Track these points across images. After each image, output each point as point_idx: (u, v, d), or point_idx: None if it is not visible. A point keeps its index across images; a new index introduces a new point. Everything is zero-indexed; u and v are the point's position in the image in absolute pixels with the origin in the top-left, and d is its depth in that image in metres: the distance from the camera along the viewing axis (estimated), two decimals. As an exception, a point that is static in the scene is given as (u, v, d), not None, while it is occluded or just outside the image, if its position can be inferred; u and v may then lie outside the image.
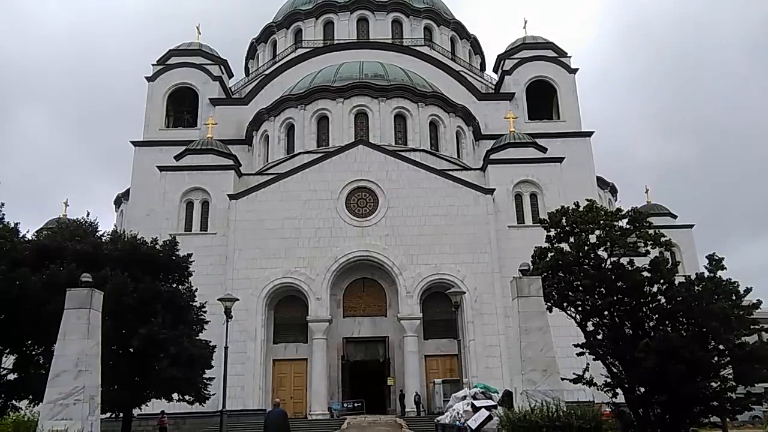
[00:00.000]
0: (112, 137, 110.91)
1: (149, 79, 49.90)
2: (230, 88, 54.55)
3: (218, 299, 25.03)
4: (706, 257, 21.14)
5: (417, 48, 52.50)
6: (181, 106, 51.06)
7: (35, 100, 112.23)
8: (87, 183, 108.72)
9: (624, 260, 21.66)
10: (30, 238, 23.65)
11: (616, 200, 53.88)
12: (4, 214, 21.99)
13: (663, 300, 20.18)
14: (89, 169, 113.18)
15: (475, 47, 60.75)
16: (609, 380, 20.39)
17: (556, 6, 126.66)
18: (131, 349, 21.12)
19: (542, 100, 50.63)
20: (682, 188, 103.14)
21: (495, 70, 55.59)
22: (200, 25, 54.60)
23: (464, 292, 30.14)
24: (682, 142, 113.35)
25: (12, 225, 22.08)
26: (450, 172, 40.08)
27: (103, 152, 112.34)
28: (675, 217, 50.46)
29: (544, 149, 42.22)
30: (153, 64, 51.12)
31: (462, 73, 52.62)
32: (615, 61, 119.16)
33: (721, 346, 18.97)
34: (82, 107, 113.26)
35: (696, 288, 20.06)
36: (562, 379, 15.03)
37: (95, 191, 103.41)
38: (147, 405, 23.68)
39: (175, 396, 23.23)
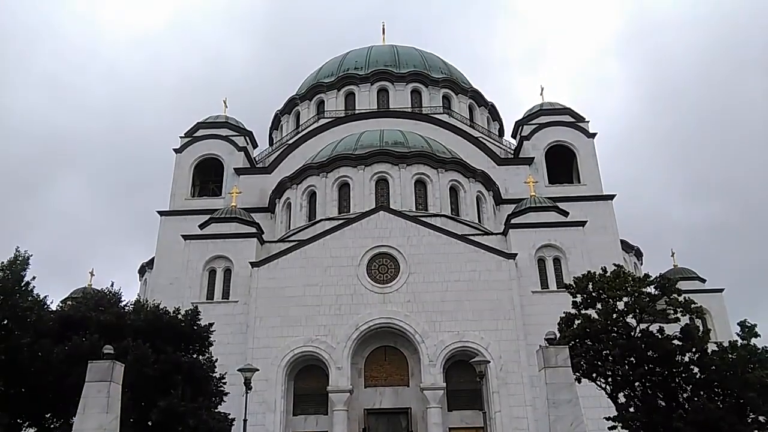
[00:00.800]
0: (140, 207, 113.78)
1: (177, 150, 51.60)
2: (254, 157, 56.00)
3: (238, 369, 24.74)
4: (738, 324, 20.54)
5: (436, 116, 53.62)
6: (207, 176, 52.45)
7: (68, 170, 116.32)
8: (114, 252, 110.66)
9: (653, 327, 21.10)
10: (55, 309, 24.02)
11: (641, 264, 52.96)
12: (34, 287, 22.42)
13: (696, 369, 19.49)
14: (117, 239, 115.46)
15: (493, 114, 61.90)
16: (644, 456, 19.44)
17: (576, 70, 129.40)
18: (149, 423, 20.80)
19: (562, 164, 50.90)
20: (710, 250, 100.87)
21: (513, 136, 56.31)
22: (227, 99, 56.95)
23: (489, 361, 29.24)
24: (710, 203, 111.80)
25: (40, 297, 22.45)
26: (471, 237, 39.97)
27: (131, 222, 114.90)
28: (704, 281, 49.27)
29: (565, 213, 42.07)
30: (181, 137, 52.92)
31: (481, 139, 53.40)
32: (640, 123, 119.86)
33: (761, 419, 18.12)
34: (112, 177, 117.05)
35: (730, 356, 19.38)
36: (594, 456, 14.38)
37: (122, 260, 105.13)
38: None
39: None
